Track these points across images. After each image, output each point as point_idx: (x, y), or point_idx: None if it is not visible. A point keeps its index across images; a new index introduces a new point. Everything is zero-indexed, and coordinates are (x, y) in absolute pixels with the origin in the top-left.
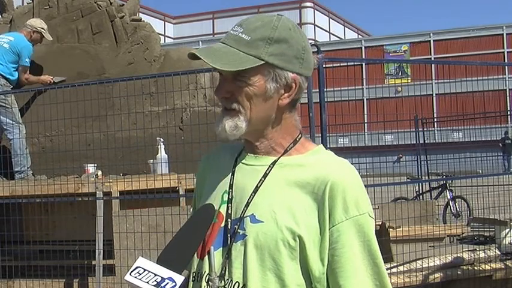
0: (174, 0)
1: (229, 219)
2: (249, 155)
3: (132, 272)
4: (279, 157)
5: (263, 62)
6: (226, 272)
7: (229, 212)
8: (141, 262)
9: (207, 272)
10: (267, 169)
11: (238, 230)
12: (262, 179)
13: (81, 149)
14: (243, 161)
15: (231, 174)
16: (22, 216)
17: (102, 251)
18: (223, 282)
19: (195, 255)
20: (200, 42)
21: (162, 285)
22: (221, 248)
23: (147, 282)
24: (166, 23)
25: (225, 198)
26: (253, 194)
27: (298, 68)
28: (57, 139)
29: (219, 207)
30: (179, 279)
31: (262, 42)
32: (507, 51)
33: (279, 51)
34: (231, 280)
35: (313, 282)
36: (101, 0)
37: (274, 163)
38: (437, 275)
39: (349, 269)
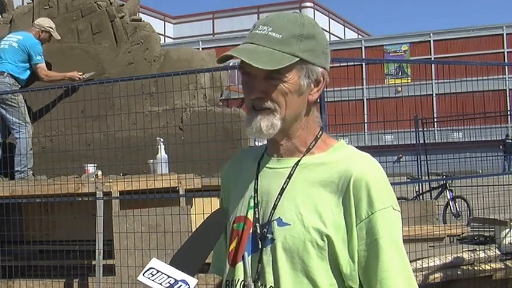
0: (174, 0)
1: (257, 224)
2: (272, 158)
3: (145, 272)
4: (301, 157)
5: (298, 59)
6: (260, 277)
7: (257, 216)
8: (155, 263)
9: (240, 279)
10: (291, 171)
11: (267, 235)
12: (287, 180)
13: (81, 149)
14: (267, 165)
15: (255, 179)
16: (22, 216)
17: (102, 251)
18: (257, 287)
19: (227, 263)
20: (200, 42)
21: (176, 287)
22: (252, 254)
23: (161, 284)
24: (166, 23)
25: (252, 203)
26: (279, 197)
27: (324, 62)
28: (57, 139)
29: (247, 213)
30: (192, 282)
31: (293, 39)
32: (507, 51)
33: (309, 47)
34: (265, 285)
35: (345, 281)
36: (101, 0)
37: (297, 164)
38: (437, 275)
39: (379, 264)
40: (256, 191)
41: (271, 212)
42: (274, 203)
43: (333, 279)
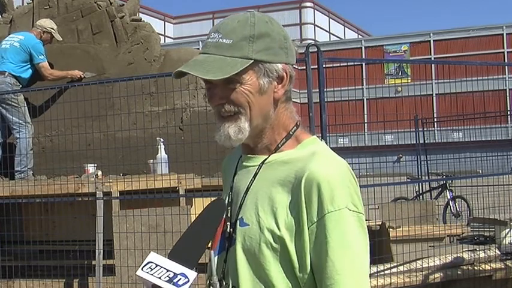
0: (174, 0)
1: (228, 223)
2: (246, 156)
3: (143, 267)
4: (269, 156)
5: (252, 61)
6: (225, 277)
7: (229, 215)
8: (153, 257)
9: (209, 276)
10: (257, 169)
11: (232, 234)
12: (252, 179)
13: (81, 149)
14: (242, 163)
15: (233, 176)
16: (22, 216)
17: (102, 251)
18: (222, 286)
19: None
20: (200, 42)
21: (175, 280)
22: (222, 253)
23: (160, 278)
24: (166, 23)
25: (227, 201)
26: (244, 196)
27: (285, 57)
28: (57, 139)
29: None
30: (192, 274)
31: (245, 42)
32: (507, 51)
33: (263, 47)
34: (229, 285)
35: (300, 284)
36: (101, 0)
37: (263, 163)
38: (437, 275)
39: (327, 269)
40: (231, 189)
41: (237, 212)
42: (240, 203)
43: (289, 282)
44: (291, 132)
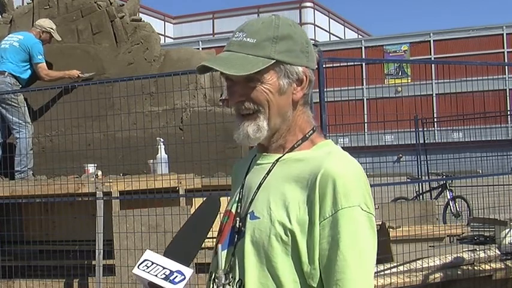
0: (174, 0)
1: (237, 218)
2: (260, 155)
3: (140, 265)
4: (284, 154)
5: (274, 61)
6: (231, 270)
7: (238, 211)
8: (149, 255)
9: (215, 269)
10: (271, 166)
11: (242, 228)
12: (266, 176)
13: (81, 149)
14: (256, 161)
15: (244, 175)
16: (22, 216)
17: (102, 251)
18: (228, 279)
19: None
20: (200, 42)
21: (171, 278)
22: (230, 247)
23: (156, 276)
24: (166, 23)
25: (237, 198)
26: (256, 191)
27: (305, 61)
28: (57, 139)
29: (231, 207)
30: (188, 272)
31: (268, 42)
32: (507, 51)
33: (286, 48)
34: (235, 278)
35: (306, 278)
36: (101, 0)
37: (277, 160)
38: (437, 275)
39: (336, 265)
40: (243, 186)
41: (248, 206)
42: (252, 197)
43: (297, 275)
44: (307, 135)
